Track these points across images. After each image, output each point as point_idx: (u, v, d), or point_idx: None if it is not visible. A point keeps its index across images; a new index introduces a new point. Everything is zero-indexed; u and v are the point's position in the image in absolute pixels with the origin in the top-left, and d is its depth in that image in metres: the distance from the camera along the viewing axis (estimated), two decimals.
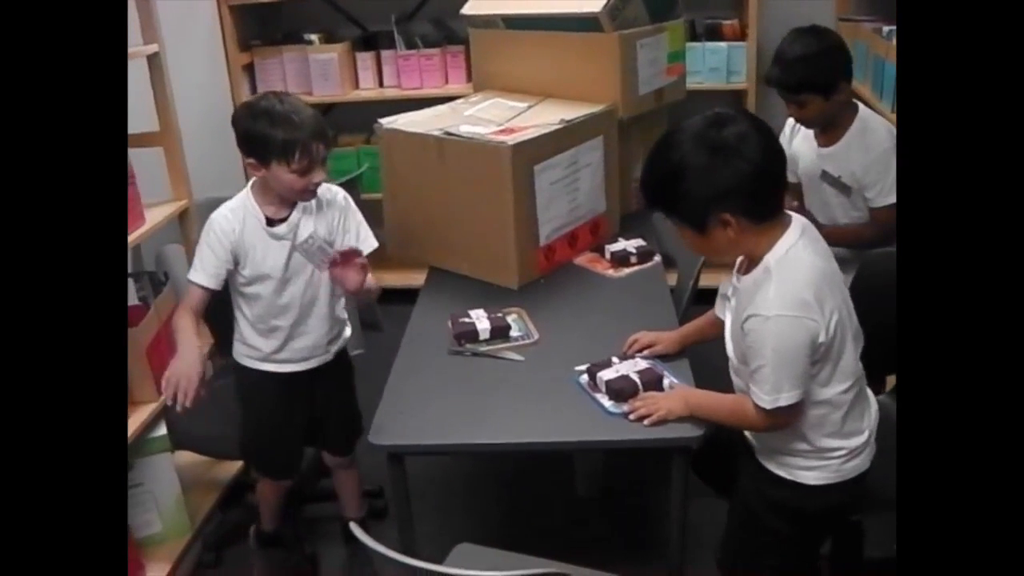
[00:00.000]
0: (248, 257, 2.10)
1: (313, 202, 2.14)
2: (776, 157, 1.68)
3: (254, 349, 2.23)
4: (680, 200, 1.68)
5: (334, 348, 2.32)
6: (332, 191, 2.21)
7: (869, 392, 1.87)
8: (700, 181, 1.64)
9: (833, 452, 1.77)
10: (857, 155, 2.62)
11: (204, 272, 2.09)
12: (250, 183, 2.14)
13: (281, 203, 2.12)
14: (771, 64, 2.64)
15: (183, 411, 1.96)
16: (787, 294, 1.63)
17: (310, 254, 2.09)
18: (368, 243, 2.23)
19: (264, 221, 2.10)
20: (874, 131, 2.63)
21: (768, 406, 1.68)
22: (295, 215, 2.13)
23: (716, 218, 1.66)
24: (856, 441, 1.78)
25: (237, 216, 2.10)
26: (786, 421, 1.72)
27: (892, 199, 2.57)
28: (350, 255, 2.07)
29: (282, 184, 2.04)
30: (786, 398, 1.66)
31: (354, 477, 2.57)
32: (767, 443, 1.83)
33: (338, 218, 2.20)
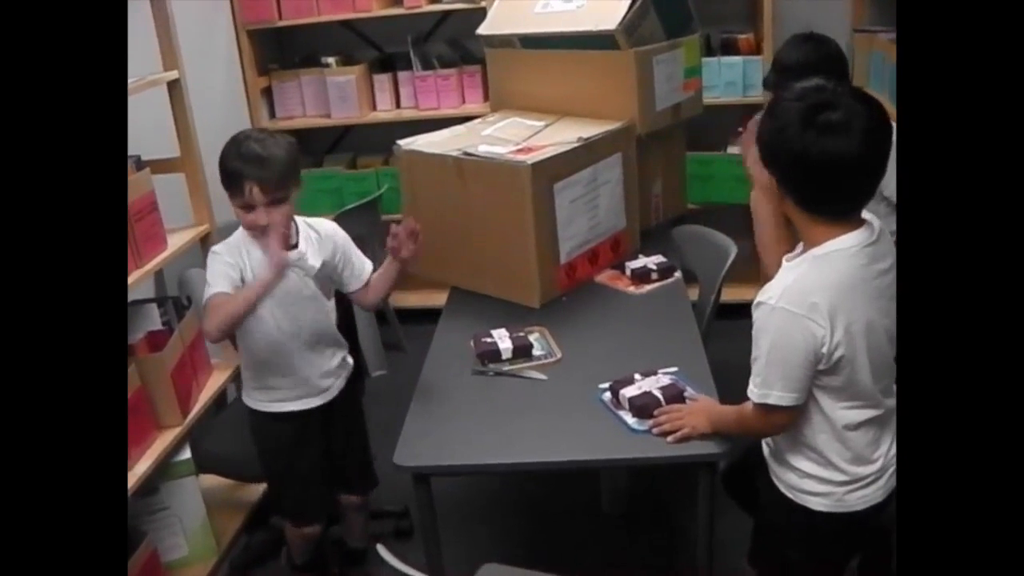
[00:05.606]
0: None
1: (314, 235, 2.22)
2: (848, 164, 1.55)
3: (272, 391, 2.23)
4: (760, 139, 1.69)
5: (344, 373, 2.33)
6: (326, 225, 2.27)
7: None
8: (765, 134, 1.66)
9: (837, 474, 1.70)
10: None
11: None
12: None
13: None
14: (769, 70, 2.63)
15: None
16: (799, 290, 1.59)
17: (322, 282, 2.20)
18: (367, 268, 2.30)
19: None
20: None
21: (756, 399, 1.66)
22: (302, 244, 2.18)
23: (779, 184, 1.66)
24: (864, 470, 1.71)
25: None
26: (781, 422, 1.69)
27: None
28: (411, 231, 2.15)
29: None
30: (776, 397, 1.63)
31: (363, 517, 2.59)
32: (779, 453, 1.79)
33: (339, 250, 2.25)
